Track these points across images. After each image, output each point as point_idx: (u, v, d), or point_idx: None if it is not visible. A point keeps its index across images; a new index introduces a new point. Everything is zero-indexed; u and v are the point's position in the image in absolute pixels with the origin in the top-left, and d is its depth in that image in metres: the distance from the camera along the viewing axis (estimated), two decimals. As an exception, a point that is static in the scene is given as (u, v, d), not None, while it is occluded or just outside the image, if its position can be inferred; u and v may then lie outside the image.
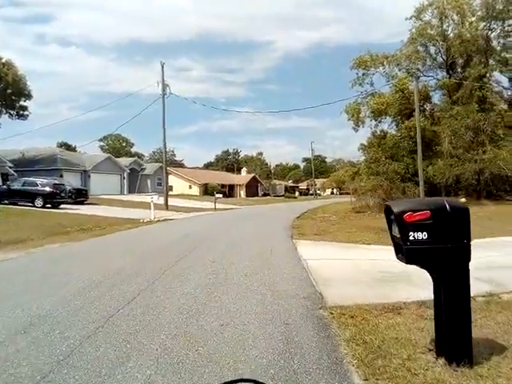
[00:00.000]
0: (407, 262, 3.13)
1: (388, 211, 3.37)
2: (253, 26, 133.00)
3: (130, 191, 47.27)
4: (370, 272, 6.87)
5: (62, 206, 25.39)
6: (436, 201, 3.21)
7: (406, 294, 5.47)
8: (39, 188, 23.99)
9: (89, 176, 39.83)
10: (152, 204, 19.77)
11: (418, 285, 5.94)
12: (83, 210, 24.64)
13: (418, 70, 25.40)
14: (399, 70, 26.13)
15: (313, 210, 29.58)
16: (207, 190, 57.86)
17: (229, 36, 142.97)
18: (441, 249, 3.02)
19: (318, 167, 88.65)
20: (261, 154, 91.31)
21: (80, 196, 29.07)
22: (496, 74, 26.25)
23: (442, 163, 21.73)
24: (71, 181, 35.79)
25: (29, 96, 34.93)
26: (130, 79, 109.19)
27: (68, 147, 63.25)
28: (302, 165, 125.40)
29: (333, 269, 7.21)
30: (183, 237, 11.68)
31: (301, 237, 12.13)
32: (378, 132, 25.80)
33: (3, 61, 31.55)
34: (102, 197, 36.53)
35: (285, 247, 9.63)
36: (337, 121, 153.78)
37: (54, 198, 24.12)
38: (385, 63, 25.49)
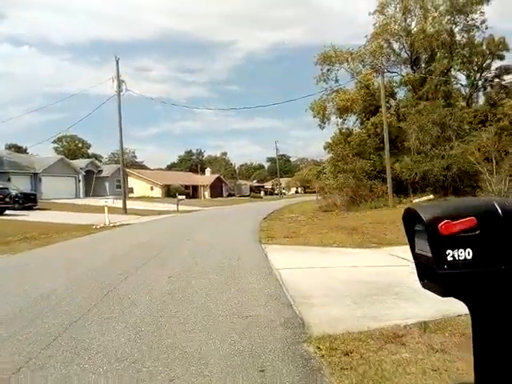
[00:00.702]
0: (444, 295, 2.10)
1: (410, 218, 2.30)
2: (214, 25, 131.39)
3: (87, 195, 44.66)
4: (352, 283, 5.93)
5: (6, 212, 23.10)
6: (482, 202, 2.21)
7: (401, 313, 4.55)
8: (-21, 193, 21.60)
9: (40, 179, 37.10)
10: (106, 208, 18.12)
11: (412, 298, 5.06)
12: (31, 216, 22.50)
13: (383, 65, 25.10)
14: (363, 67, 25.80)
15: (279, 210, 28.75)
16: (170, 192, 55.87)
17: (190, 36, 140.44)
18: (491, 273, 2.02)
19: (282, 167, 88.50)
20: (225, 154, 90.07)
21: (28, 201, 26.70)
22: (455, 73, 26.57)
23: (409, 160, 21.48)
24: (20, 185, 33.08)
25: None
26: (86, 80, 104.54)
27: (18, 149, 59.17)
28: (266, 165, 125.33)
29: (310, 280, 6.21)
30: (138, 245, 10.33)
31: (270, 240, 11.11)
32: (344, 129, 25.34)
33: None
34: (54, 201, 34.03)
35: (254, 254, 8.55)
36: (299, 121, 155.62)
37: (-4, 204, 21.81)
38: (349, 59, 25.04)
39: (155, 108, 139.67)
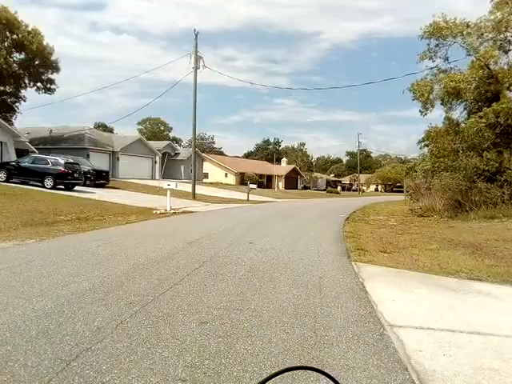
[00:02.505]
0: None
1: None
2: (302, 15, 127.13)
3: (163, 176, 44.53)
4: None
5: (76, 188, 22.56)
6: None
7: None
8: (49, 166, 21.12)
9: (117, 158, 37.25)
10: (168, 192, 16.18)
11: None
12: (99, 194, 21.63)
13: (509, 42, 20.03)
14: (481, 44, 20.80)
15: (362, 210, 25.03)
16: (244, 180, 54.32)
17: (277, 26, 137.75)
18: None
19: (362, 162, 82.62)
20: (303, 144, 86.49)
21: (100, 178, 26.20)
22: None
23: (542, 159, 16.60)
24: (99, 162, 33.31)
25: (56, 69, 32.48)
26: (178, 67, 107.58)
27: (105, 129, 61.66)
28: (344, 159, 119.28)
29: (469, 374, 3.06)
30: (181, 248, 7.81)
31: (362, 256, 7.96)
32: (454, 117, 20.79)
33: (29, 28, 29.08)
34: (130, 181, 33.84)
35: (343, 283, 5.51)
36: (382, 116, 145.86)
37: (65, 179, 21.20)
38: (464, 32, 20.37)
39: (237, 97, 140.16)
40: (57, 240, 8.41)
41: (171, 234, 9.69)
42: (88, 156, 33.70)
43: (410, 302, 4.97)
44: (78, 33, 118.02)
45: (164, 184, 16.40)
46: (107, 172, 27.17)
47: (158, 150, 43.35)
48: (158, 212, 15.62)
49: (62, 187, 21.42)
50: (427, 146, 30.37)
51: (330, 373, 1.00)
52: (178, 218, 14.66)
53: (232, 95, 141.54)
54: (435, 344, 3.55)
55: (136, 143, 39.85)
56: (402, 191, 78.09)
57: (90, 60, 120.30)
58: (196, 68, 26.22)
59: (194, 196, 26.04)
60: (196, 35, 26.29)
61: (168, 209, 16.05)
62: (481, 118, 17.35)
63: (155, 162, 42.34)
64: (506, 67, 19.57)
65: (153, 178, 41.37)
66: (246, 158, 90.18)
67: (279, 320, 3.84)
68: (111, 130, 61.33)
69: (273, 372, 0.93)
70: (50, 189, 20.67)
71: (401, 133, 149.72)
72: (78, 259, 6.30)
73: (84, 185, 24.92)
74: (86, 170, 25.30)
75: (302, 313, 4.08)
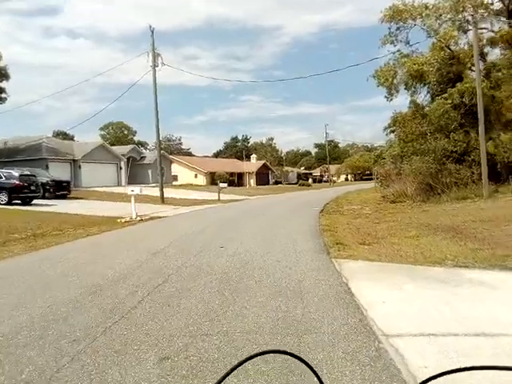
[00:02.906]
0: None
1: None
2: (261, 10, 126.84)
3: (129, 182, 43.00)
4: None
5: (34, 201, 21.12)
6: None
7: None
8: (3, 181, 19.63)
9: (79, 166, 35.53)
10: (133, 199, 15.23)
11: None
12: (60, 206, 20.31)
13: (468, 21, 20.18)
14: (440, 25, 20.88)
15: (335, 200, 24.79)
16: (214, 180, 53.38)
17: (237, 23, 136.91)
18: None
19: (330, 153, 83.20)
20: (271, 139, 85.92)
21: (60, 189, 24.71)
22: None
23: (508, 137, 16.69)
24: (59, 172, 31.61)
25: (5, 76, 30.50)
26: (137, 69, 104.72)
27: (65, 136, 59.08)
28: (313, 151, 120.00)
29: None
30: (147, 260, 7.06)
31: (342, 251, 7.45)
32: (418, 101, 20.76)
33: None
34: (94, 189, 32.28)
35: (326, 286, 4.93)
36: (346, 106, 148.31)
37: (20, 193, 19.76)
38: (423, 14, 20.35)
39: (202, 96, 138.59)
40: (2, 263, 7.45)
41: (135, 245, 8.87)
42: (47, 166, 31.89)
43: (401, 302, 4.45)
44: (30, 40, 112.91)
45: (128, 190, 15.44)
46: (68, 182, 25.70)
47: (123, 155, 41.75)
48: (123, 221, 14.66)
49: (19, 202, 19.98)
50: (393, 131, 30.52)
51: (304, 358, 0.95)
52: (145, 225, 13.78)
53: (196, 94, 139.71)
54: (440, 355, 3.01)
55: (98, 149, 38.16)
56: (371, 179, 79.28)
57: (46, 66, 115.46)
58: (154, 66, 25.15)
59: (162, 200, 25.04)
60: (152, 31, 25.21)
61: (133, 216, 15.10)
62: (446, 99, 17.32)
63: (120, 168, 40.75)
64: (466, 47, 19.67)
65: (119, 184, 39.79)
66: (216, 157, 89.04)
67: (256, 343, 3.20)
68: (72, 138, 58.82)
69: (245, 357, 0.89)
70: (4, 204, 19.22)
71: (365, 122, 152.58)
72: (21, 286, 5.44)
73: (43, 197, 23.43)
74: (45, 181, 23.81)
75: (283, 331, 3.46)
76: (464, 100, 17.91)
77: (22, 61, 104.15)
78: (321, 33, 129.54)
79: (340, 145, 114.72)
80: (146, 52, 25.46)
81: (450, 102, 17.01)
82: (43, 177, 25.00)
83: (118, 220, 14.91)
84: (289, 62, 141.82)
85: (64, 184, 25.18)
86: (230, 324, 3.64)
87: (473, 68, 19.88)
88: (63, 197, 24.71)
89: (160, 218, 16.15)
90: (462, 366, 0.83)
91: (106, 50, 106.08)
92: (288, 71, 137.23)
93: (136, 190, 15.30)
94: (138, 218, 15.09)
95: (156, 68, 25.50)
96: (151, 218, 15.64)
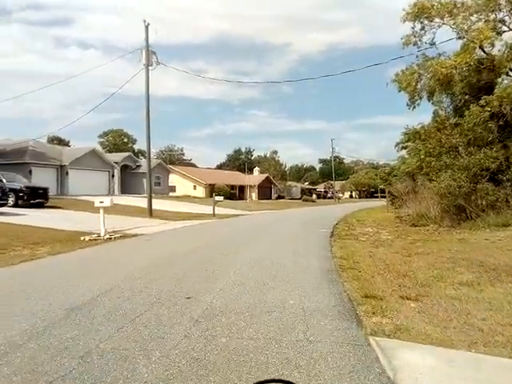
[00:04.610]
0: None
1: None
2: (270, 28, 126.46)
3: (123, 191, 40.31)
4: None
5: (3, 209, 18.39)
6: None
7: None
8: (-37, 186, 16.95)
9: (66, 172, 32.89)
10: (102, 211, 12.41)
11: None
12: (29, 216, 17.56)
13: (503, 22, 17.62)
14: (470, 26, 18.30)
15: (344, 220, 21.90)
16: (214, 192, 50.71)
17: (246, 39, 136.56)
18: None
19: (335, 169, 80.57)
20: (275, 152, 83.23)
21: (36, 197, 21.96)
22: None
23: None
24: (43, 178, 29.00)
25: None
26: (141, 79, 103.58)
27: (60, 142, 56.71)
28: (317, 166, 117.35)
29: None
30: (52, 325, 4.22)
31: (379, 313, 4.57)
32: (443, 112, 18.04)
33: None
34: (81, 198, 29.48)
35: None
36: (351, 124, 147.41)
37: (-18, 200, 17.07)
38: (454, 12, 17.83)
39: (210, 110, 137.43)
40: None
41: (63, 285, 6.01)
42: (30, 172, 29.33)
43: None
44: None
45: (96, 201, 12.64)
46: (45, 189, 22.93)
47: (116, 163, 39.18)
48: (88, 239, 11.83)
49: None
50: (405, 148, 27.65)
51: None
52: (109, 246, 10.93)
53: (204, 108, 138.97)
54: None
55: (89, 155, 35.58)
56: (377, 196, 76.61)
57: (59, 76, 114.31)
58: (148, 65, 22.65)
59: (150, 213, 22.24)
60: (146, 27, 22.78)
61: (102, 233, 12.28)
62: (483, 106, 14.54)
63: (112, 176, 38.09)
64: (504, 49, 16.96)
65: (110, 193, 37.10)
66: (219, 169, 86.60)
67: None
68: (67, 144, 56.48)
69: None
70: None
71: (370, 140, 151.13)
72: None
73: (16, 205, 20.76)
74: (18, 187, 21.12)
75: None
76: (503, 109, 15.15)
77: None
78: (328, 52, 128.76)
79: (345, 161, 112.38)
80: (139, 49, 23.03)
81: (488, 108, 14.22)
82: (18, 182, 22.35)
83: (83, 238, 12.08)
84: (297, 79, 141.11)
85: (40, 191, 22.43)
86: None
87: (510, 73, 17.22)
88: (39, 205, 21.98)
89: (136, 235, 13.31)
90: None
91: (116, 61, 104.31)
92: (296, 87, 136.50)
93: (106, 201, 12.50)
94: (108, 236, 12.25)
95: (151, 67, 23.04)
96: (124, 236, 12.79)
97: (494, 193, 14.84)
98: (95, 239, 11.94)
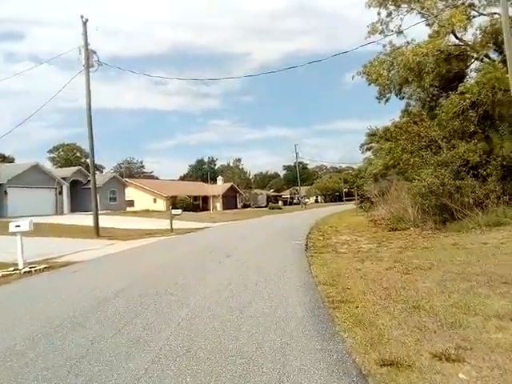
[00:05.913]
0: None
1: None
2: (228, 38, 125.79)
3: (74, 209, 36.77)
4: None
5: None
6: None
7: None
8: None
9: (5, 192, 29.23)
10: (19, 238, 9.77)
11: None
12: None
13: (472, 6, 16.55)
14: (438, 12, 17.13)
15: (317, 228, 20.04)
16: (176, 204, 47.86)
17: (204, 49, 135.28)
18: None
19: (300, 174, 79.64)
20: (238, 160, 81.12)
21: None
22: None
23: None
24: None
25: None
26: (103, 94, 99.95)
27: (4, 159, 51.96)
28: (282, 173, 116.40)
29: None
30: None
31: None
32: (416, 103, 16.68)
33: None
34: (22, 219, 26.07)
35: None
36: (313, 129, 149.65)
37: None
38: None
39: (170, 120, 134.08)
40: None
41: None
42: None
43: None
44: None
45: (11, 226, 9.94)
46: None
47: (64, 179, 35.66)
48: (0, 274, 9.16)
49: None
50: (369, 149, 26.43)
51: None
52: (19, 286, 8.31)
53: (165, 118, 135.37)
54: None
55: (32, 171, 31.99)
56: (342, 200, 76.19)
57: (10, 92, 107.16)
58: (88, 65, 20.01)
59: (97, 233, 19.43)
60: (85, 23, 20.17)
61: (20, 266, 9.62)
62: (463, 93, 13.12)
63: (60, 193, 34.56)
64: (479, 33, 15.77)
65: (58, 212, 33.58)
66: (182, 180, 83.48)
67: None
68: (12, 161, 51.76)
69: None
70: None
71: (331, 144, 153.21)
72: None
73: None
74: None
75: None
76: (481, 98, 13.83)
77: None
78: (287, 59, 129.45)
79: (309, 166, 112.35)
80: (77, 48, 20.33)
81: (469, 96, 12.80)
82: None
83: (-5, 272, 9.38)
84: (256, 88, 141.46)
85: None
86: None
87: (485, 60, 16.07)
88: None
89: (67, 264, 10.69)
90: None
91: (71, 74, 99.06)
92: (256, 96, 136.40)
93: (24, 224, 9.85)
94: (26, 269, 9.60)
95: (92, 69, 20.41)
96: (50, 267, 10.14)
97: (480, 190, 13.41)
98: (10, 274, 9.28)
